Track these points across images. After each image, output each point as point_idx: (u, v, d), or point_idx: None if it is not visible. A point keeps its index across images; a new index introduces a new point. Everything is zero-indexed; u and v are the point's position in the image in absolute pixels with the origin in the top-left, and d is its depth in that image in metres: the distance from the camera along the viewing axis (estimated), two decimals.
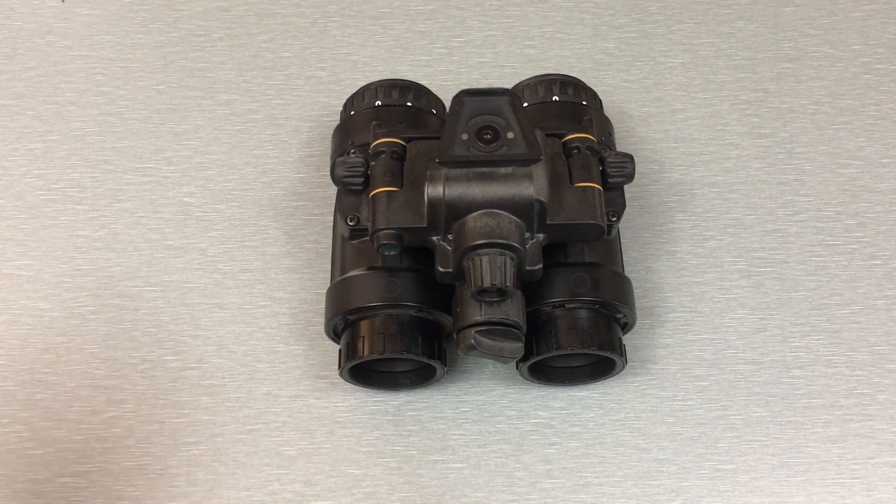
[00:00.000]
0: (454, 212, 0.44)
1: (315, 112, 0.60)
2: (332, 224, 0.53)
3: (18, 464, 0.50)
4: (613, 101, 0.60)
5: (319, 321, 0.52)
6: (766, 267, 0.55)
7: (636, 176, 0.48)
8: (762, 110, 0.60)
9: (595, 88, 0.55)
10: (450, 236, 0.45)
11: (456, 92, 0.45)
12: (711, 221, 0.56)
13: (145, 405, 0.51)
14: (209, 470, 0.50)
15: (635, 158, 0.49)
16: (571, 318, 0.47)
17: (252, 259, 0.55)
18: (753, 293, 0.54)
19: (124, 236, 0.56)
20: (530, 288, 0.46)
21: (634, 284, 0.50)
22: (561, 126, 0.49)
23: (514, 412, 0.51)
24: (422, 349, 0.47)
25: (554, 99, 0.52)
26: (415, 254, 0.47)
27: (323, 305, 0.49)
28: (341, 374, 0.49)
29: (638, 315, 0.50)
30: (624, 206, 0.48)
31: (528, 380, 0.51)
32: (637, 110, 0.60)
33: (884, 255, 0.55)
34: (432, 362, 0.48)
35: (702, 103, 0.60)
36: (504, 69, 0.61)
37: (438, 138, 0.45)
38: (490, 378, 0.52)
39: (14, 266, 0.55)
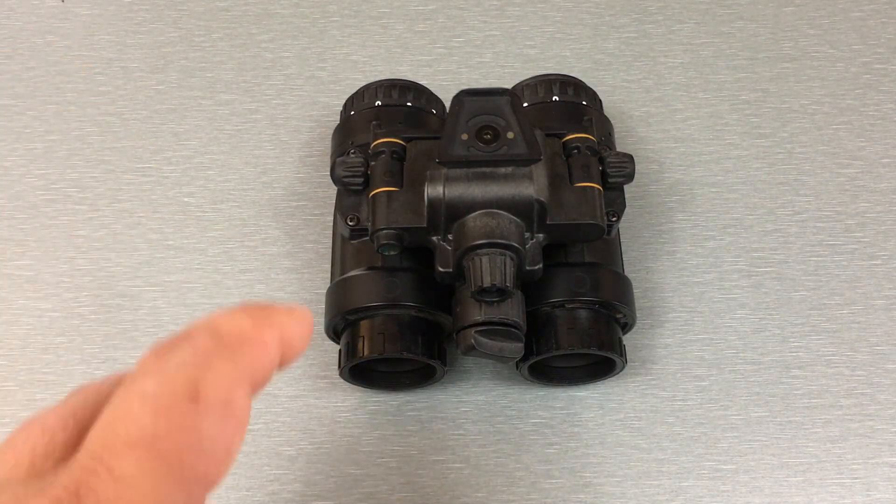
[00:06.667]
0: (454, 212, 0.44)
1: (315, 112, 0.60)
2: (332, 224, 0.53)
3: None
4: (613, 101, 0.60)
5: (319, 321, 0.52)
6: (766, 267, 0.55)
7: (636, 176, 0.48)
8: (762, 110, 0.60)
9: (595, 88, 0.55)
10: (450, 236, 0.45)
11: (456, 92, 0.45)
12: (711, 221, 0.56)
13: None
14: None
15: (635, 158, 0.49)
16: (571, 318, 0.47)
17: (252, 259, 0.55)
18: (753, 293, 0.54)
19: (124, 236, 0.56)
20: (530, 288, 0.46)
21: (634, 284, 0.50)
22: (561, 126, 0.49)
23: (514, 412, 0.51)
24: (422, 349, 0.47)
25: (554, 99, 0.52)
26: (415, 254, 0.47)
27: (323, 305, 0.49)
28: (341, 374, 0.49)
29: (638, 315, 0.50)
30: (624, 206, 0.48)
31: (528, 380, 0.51)
32: (637, 110, 0.60)
33: (884, 255, 0.55)
34: (432, 362, 0.48)
35: (702, 103, 0.60)
36: (504, 69, 0.61)
37: (438, 138, 0.45)
38: (490, 378, 0.52)
39: (14, 266, 0.55)
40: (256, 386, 0.25)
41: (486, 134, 0.44)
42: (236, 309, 0.26)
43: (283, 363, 0.26)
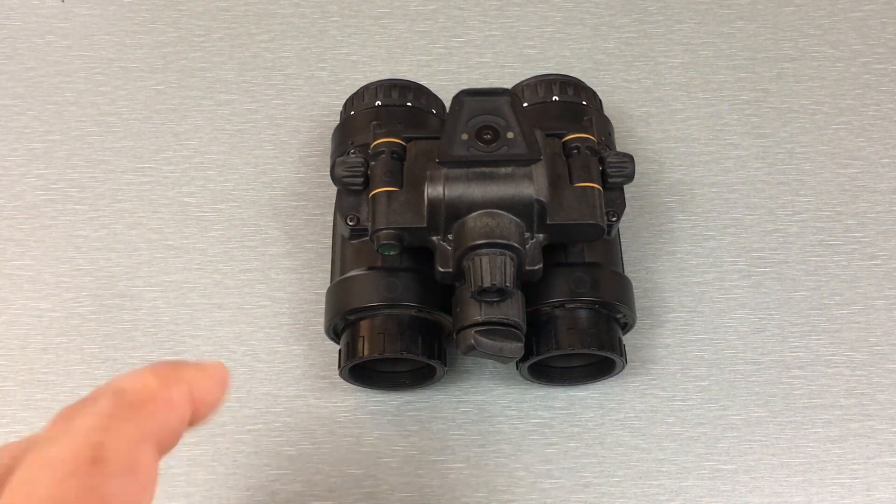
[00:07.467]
0: (454, 212, 0.44)
1: (315, 112, 0.60)
2: (332, 224, 0.53)
3: None
4: (613, 101, 0.60)
5: (319, 321, 0.52)
6: (766, 267, 0.55)
7: (636, 176, 0.48)
8: (762, 110, 0.60)
9: (595, 88, 0.55)
10: (450, 236, 0.45)
11: (456, 92, 0.45)
12: (711, 221, 0.56)
13: None
14: (209, 470, 0.50)
15: (635, 158, 0.49)
16: (571, 318, 0.47)
17: (252, 259, 0.55)
18: (753, 293, 0.54)
19: (124, 236, 0.56)
20: (530, 288, 0.46)
21: (634, 284, 0.50)
22: (561, 126, 0.49)
23: (514, 412, 0.51)
24: (422, 349, 0.47)
25: (554, 99, 0.52)
26: (415, 254, 0.47)
27: (323, 305, 0.49)
28: (341, 374, 0.49)
29: (638, 315, 0.50)
30: (624, 206, 0.48)
31: (528, 380, 0.51)
32: (637, 110, 0.60)
33: (884, 255, 0.55)
34: (432, 362, 0.48)
35: (702, 103, 0.60)
36: (504, 69, 0.61)
37: (438, 138, 0.45)
38: (490, 378, 0.52)
39: (14, 266, 0.55)
40: (164, 444, 0.25)
41: (486, 134, 0.44)
42: (142, 369, 0.26)
43: (195, 419, 0.27)
